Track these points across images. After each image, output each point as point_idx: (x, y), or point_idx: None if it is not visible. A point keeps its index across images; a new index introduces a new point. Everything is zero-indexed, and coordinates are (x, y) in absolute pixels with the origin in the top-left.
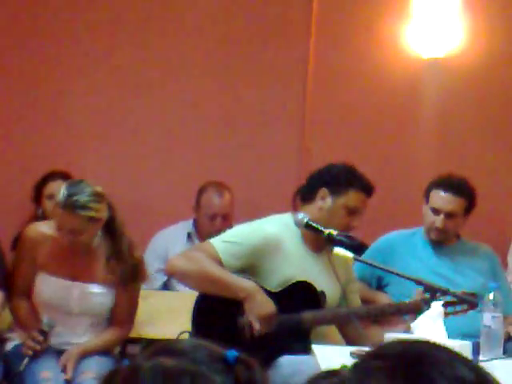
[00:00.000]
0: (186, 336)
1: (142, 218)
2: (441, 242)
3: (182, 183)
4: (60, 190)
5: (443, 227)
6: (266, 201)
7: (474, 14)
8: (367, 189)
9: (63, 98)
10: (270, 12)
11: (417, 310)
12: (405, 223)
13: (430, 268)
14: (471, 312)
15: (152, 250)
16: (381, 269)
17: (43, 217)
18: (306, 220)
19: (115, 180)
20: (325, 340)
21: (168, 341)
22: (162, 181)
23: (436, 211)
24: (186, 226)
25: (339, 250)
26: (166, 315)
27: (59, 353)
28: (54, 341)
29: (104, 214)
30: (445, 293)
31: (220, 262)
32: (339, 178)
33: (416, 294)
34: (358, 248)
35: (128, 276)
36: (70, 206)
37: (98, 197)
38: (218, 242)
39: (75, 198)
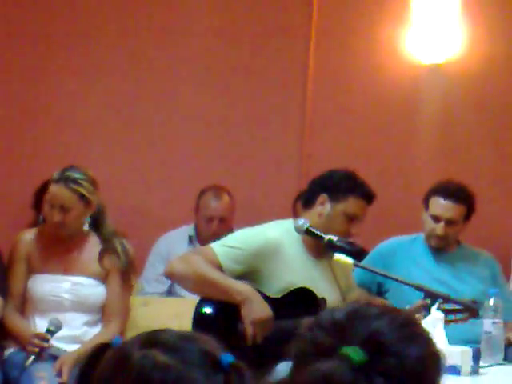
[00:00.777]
0: None
1: (145, 223)
2: (441, 248)
3: (184, 188)
4: None
5: (444, 234)
6: (266, 206)
7: (473, 19)
8: (367, 196)
9: (65, 104)
10: (269, 17)
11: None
12: (405, 229)
13: (431, 274)
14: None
15: (156, 253)
16: (381, 275)
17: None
18: (306, 226)
19: (118, 185)
20: None
21: (164, 331)
22: (164, 185)
23: (436, 218)
24: (188, 229)
25: (339, 256)
26: (168, 321)
27: (55, 357)
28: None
29: (94, 199)
30: (445, 299)
31: (220, 267)
32: (339, 185)
33: (418, 303)
34: (358, 254)
35: (118, 268)
36: (63, 179)
37: (92, 180)
38: (218, 247)
39: (69, 173)
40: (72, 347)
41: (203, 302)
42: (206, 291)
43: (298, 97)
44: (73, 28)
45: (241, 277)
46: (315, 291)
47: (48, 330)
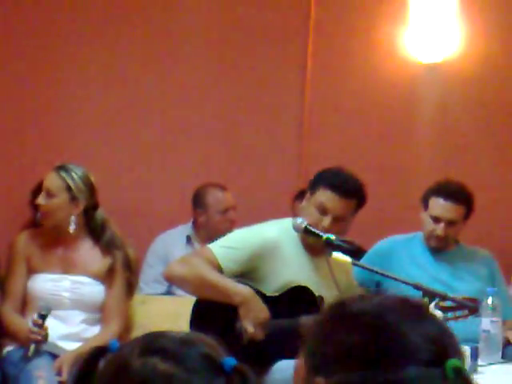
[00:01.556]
0: None
1: (141, 223)
2: (440, 248)
3: (182, 187)
4: None
5: (444, 235)
6: (265, 205)
7: (471, 18)
8: (337, 187)
9: (66, 105)
10: (267, 17)
11: None
12: (403, 228)
13: (429, 273)
14: (470, 317)
15: (153, 253)
16: (379, 274)
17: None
18: (304, 224)
19: (114, 184)
20: None
21: (163, 336)
22: (162, 185)
23: (436, 219)
24: (186, 229)
25: (338, 255)
26: (166, 320)
27: (54, 356)
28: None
29: (82, 197)
30: (443, 298)
31: (219, 268)
32: (316, 177)
33: None
34: (356, 253)
35: (121, 270)
36: (58, 167)
37: (86, 180)
38: (216, 248)
39: (67, 165)
40: (71, 345)
41: (200, 301)
42: (206, 293)
43: (296, 96)
44: (71, 28)
45: (240, 276)
46: (313, 289)
47: (40, 315)
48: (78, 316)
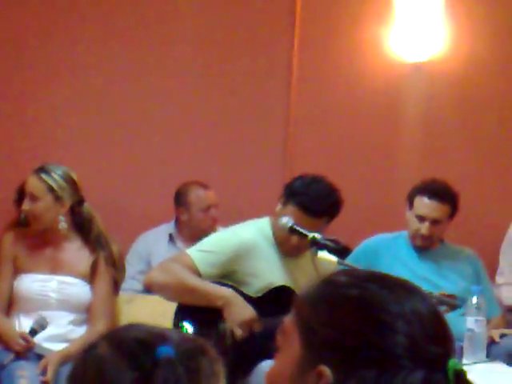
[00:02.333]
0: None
1: (123, 222)
2: (425, 247)
3: (164, 186)
4: None
5: (429, 234)
6: (249, 205)
7: (456, 18)
8: (333, 216)
9: (47, 103)
10: (253, 17)
11: None
12: (388, 227)
13: (414, 272)
14: (454, 316)
15: (134, 251)
16: None
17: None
18: (289, 224)
19: (97, 183)
20: None
21: (124, 327)
22: (144, 184)
23: (421, 218)
24: (168, 227)
25: (323, 254)
26: (149, 319)
27: (40, 356)
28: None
29: (66, 196)
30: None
31: (198, 272)
32: (308, 204)
33: None
34: (342, 251)
35: (107, 271)
36: (37, 169)
37: (67, 178)
38: (194, 252)
39: (46, 166)
40: (58, 346)
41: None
42: (187, 299)
43: (282, 96)
44: (59, 29)
45: (221, 278)
46: (294, 289)
47: (32, 330)
48: (65, 317)
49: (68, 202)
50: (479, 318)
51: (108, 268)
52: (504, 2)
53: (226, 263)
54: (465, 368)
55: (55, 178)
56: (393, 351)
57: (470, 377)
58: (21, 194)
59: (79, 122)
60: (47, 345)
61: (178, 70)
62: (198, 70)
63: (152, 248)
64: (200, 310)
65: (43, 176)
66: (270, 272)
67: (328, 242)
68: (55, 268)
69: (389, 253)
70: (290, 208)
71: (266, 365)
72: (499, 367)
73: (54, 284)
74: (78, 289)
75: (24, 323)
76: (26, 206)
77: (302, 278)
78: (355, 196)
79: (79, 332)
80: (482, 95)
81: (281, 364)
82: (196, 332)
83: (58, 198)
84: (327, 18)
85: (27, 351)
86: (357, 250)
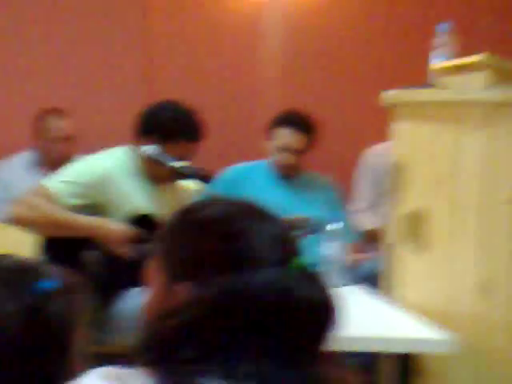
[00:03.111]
0: None
1: None
2: (288, 176)
3: (23, 112)
4: None
5: (292, 163)
6: (109, 131)
7: None
8: (192, 137)
9: None
10: None
11: None
12: (248, 157)
13: (272, 200)
14: (312, 241)
15: None
16: None
17: None
18: (147, 153)
19: None
20: None
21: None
22: (3, 110)
23: (283, 149)
24: (29, 155)
25: (184, 183)
26: (9, 250)
27: None
28: None
29: None
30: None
31: (59, 203)
32: (164, 129)
33: None
34: (204, 179)
35: None
36: None
37: None
38: (54, 183)
39: None
40: None
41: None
42: (58, 233)
43: (138, 18)
44: None
45: (83, 210)
46: (158, 217)
47: None
48: None
49: None
50: (336, 243)
51: None
52: None
53: (87, 193)
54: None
55: None
56: (244, 255)
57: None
58: None
59: None
60: None
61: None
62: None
63: (14, 175)
64: (62, 240)
65: None
66: (133, 200)
67: (186, 171)
68: None
69: (248, 182)
70: (148, 137)
71: (133, 292)
72: (362, 290)
73: None
74: None
75: None
76: None
77: (166, 204)
78: (215, 125)
79: None
80: (339, 21)
81: (152, 294)
82: (61, 262)
83: None
84: None
85: None
86: (218, 180)
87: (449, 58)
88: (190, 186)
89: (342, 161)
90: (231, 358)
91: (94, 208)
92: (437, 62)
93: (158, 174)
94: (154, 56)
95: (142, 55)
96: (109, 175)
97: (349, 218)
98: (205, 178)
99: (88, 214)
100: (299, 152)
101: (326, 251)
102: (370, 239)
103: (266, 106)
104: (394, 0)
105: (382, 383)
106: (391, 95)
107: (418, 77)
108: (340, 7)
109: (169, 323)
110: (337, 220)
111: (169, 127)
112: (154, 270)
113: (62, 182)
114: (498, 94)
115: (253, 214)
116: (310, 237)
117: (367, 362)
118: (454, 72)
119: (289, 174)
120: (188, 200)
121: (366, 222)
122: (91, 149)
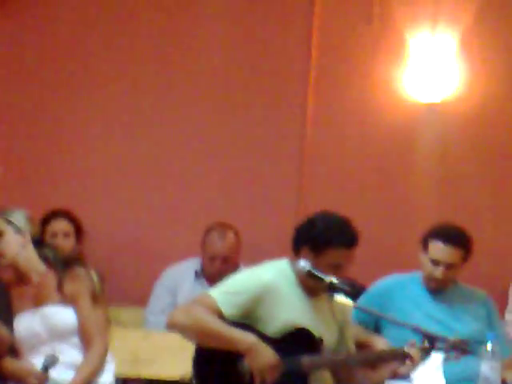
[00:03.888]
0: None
1: (149, 258)
2: (439, 289)
3: (189, 222)
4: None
5: (443, 278)
6: (266, 242)
7: (470, 59)
8: (347, 243)
9: (67, 135)
10: (269, 55)
11: (411, 357)
12: (402, 266)
13: (428, 314)
14: (469, 359)
15: (162, 285)
16: (378, 316)
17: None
18: (307, 268)
19: (125, 222)
20: None
21: None
22: (170, 220)
23: (436, 262)
24: (194, 263)
25: (340, 297)
26: (167, 355)
27: None
28: None
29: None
30: (439, 340)
31: (221, 314)
32: (318, 237)
33: (409, 344)
34: (358, 294)
35: (84, 290)
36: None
37: (22, 215)
38: (217, 294)
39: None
40: (67, 374)
41: None
42: (209, 342)
43: (296, 134)
44: (75, 74)
45: (241, 319)
46: (313, 331)
47: (43, 367)
48: (67, 348)
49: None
50: (494, 364)
51: (86, 289)
52: None
53: (249, 304)
54: None
55: (13, 215)
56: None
57: None
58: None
59: (104, 162)
60: (57, 376)
61: (193, 119)
62: (217, 114)
63: (179, 282)
64: (219, 350)
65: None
66: (290, 313)
67: (344, 286)
68: (36, 303)
69: (403, 294)
70: (331, 252)
71: None
72: None
73: (37, 318)
74: (60, 316)
75: (32, 361)
76: None
77: (321, 318)
78: (370, 232)
79: (71, 355)
80: (496, 136)
81: None
82: (217, 370)
83: (18, 231)
84: (342, 59)
85: None
86: (370, 291)
87: None
88: (345, 301)
89: (493, 271)
90: None
91: (250, 316)
92: None
93: (314, 288)
94: (308, 164)
95: (298, 166)
96: (274, 286)
97: (504, 332)
98: (358, 291)
99: (241, 324)
100: (452, 266)
101: (482, 371)
102: None
103: (419, 215)
104: None
105: None
106: None
107: None
108: (499, 117)
109: None
110: (493, 336)
111: (323, 235)
112: None
113: (225, 292)
114: None
115: None
116: (468, 357)
117: None
118: None
119: (439, 288)
120: (343, 315)
121: None
122: (250, 261)
